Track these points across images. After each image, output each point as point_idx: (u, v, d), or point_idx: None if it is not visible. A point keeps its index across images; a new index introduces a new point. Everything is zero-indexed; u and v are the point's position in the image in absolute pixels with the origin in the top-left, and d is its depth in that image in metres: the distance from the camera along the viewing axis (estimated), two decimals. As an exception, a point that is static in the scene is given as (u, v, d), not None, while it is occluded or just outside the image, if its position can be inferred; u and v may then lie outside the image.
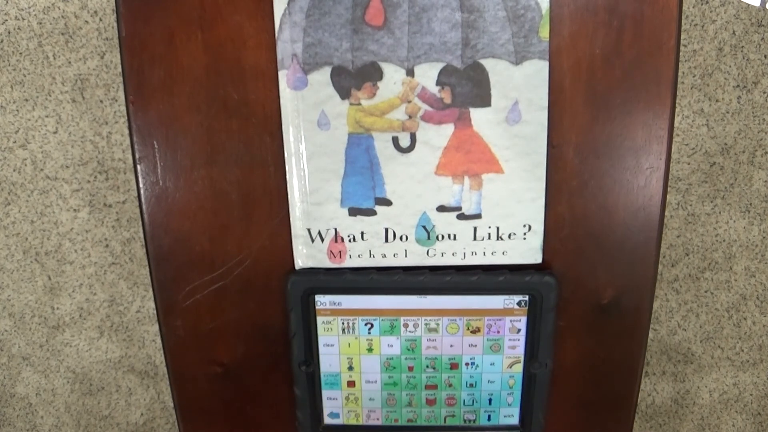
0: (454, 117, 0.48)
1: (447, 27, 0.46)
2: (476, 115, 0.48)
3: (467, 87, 0.47)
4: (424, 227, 0.50)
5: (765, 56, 1.11)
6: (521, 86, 0.47)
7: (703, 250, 1.20)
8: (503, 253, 0.51)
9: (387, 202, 0.50)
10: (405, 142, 0.48)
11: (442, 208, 0.50)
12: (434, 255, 0.51)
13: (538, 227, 0.50)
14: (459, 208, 0.50)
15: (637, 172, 0.49)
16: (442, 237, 0.50)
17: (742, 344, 1.26)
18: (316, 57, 0.46)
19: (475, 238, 0.50)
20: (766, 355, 1.27)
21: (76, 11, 1.10)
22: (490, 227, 0.50)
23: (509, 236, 0.50)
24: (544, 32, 0.46)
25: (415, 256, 0.51)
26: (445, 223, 0.50)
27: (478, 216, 0.50)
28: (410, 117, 0.48)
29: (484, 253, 0.51)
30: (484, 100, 0.47)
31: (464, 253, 0.51)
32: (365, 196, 0.49)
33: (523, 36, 0.46)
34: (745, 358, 1.27)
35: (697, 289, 1.23)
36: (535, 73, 0.47)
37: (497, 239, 0.50)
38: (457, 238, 0.50)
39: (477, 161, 0.49)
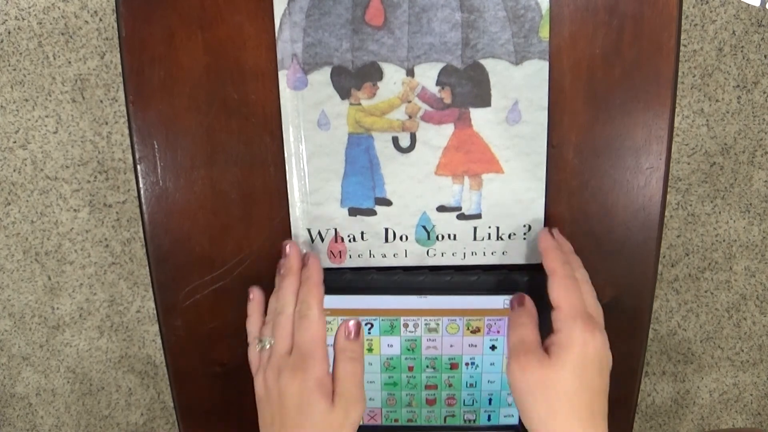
0: (454, 117, 0.47)
1: (447, 27, 0.46)
2: (476, 115, 0.47)
3: (467, 87, 0.47)
4: (424, 227, 0.50)
5: (765, 56, 1.11)
6: (521, 86, 0.46)
7: (703, 250, 1.20)
8: (503, 253, 0.51)
9: (387, 202, 0.50)
10: (405, 142, 0.48)
11: (442, 208, 0.49)
12: (434, 255, 0.51)
13: (538, 227, 0.50)
14: (459, 208, 0.49)
15: (637, 172, 0.49)
16: (442, 237, 0.50)
17: (742, 344, 1.26)
18: (316, 57, 0.46)
19: (475, 238, 0.50)
20: (766, 355, 1.27)
21: (76, 11, 1.10)
22: (490, 227, 0.50)
23: (509, 236, 0.50)
24: (544, 32, 0.46)
25: (415, 256, 0.51)
26: (445, 223, 0.50)
27: (478, 216, 0.50)
28: (410, 117, 0.48)
29: (484, 253, 0.51)
30: (484, 100, 0.47)
31: (464, 253, 0.51)
32: (365, 196, 0.49)
33: (523, 36, 0.45)
34: (745, 358, 1.27)
35: (697, 289, 1.23)
36: (535, 73, 0.46)
37: (497, 239, 0.50)
38: (457, 238, 0.50)
39: (477, 161, 0.48)
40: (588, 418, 0.41)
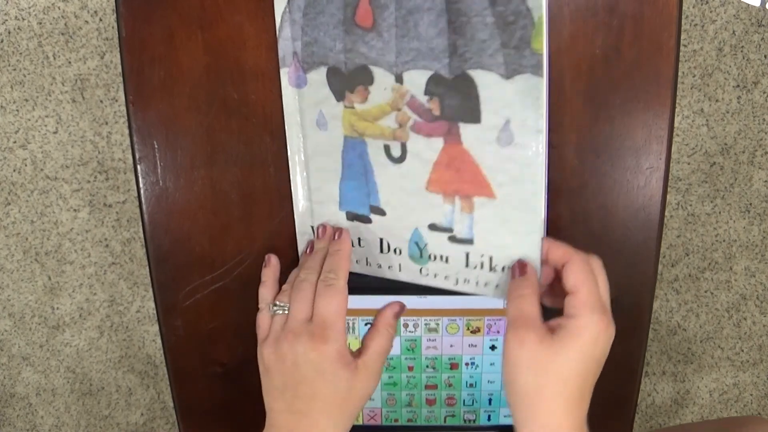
0: (443, 130, 0.42)
1: (434, 32, 0.41)
2: (466, 131, 0.42)
3: (456, 99, 0.41)
4: (416, 244, 0.47)
5: (765, 56, 1.11)
6: (513, 104, 0.40)
7: (703, 250, 1.20)
8: (496, 286, 0.45)
9: (381, 212, 0.47)
10: (396, 151, 0.45)
11: (433, 227, 0.45)
12: (427, 275, 0.47)
13: (536, 264, 0.43)
14: (450, 230, 0.45)
15: (637, 172, 0.49)
16: (435, 257, 0.46)
17: (742, 344, 1.26)
18: (313, 56, 0.45)
19: (467, 265, 0.45)
20: (766, 355, 1.27)
21: (76, 11, 1.10)
22: (483, 255, 0.45)
23: (503, 269, 0.44)
24: (538, 44, 0.38)
25: (408, 272, 0.48)
26: (437, 243, 0.46)
27: (470, 241, 0.45)
28: (400, 126, 0.44)
29: (477, 282, 0.46)
30: (473, 116, 0.41)
31: (457, 279, 0.46)
32: (361, 202, 0.47)
33: (513, 47, 0.38)
34: (745, 358, 1.27)
35: (697, 289, 1.23)
36: (528, 90, 0.39)
37: (490, 270, 0.45)
38: (449, 261, 0.46)
39: (468, 182, 0.43)
40: (575, 400, 0.40)
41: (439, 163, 0.44)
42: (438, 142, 0.43)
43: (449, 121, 0.42)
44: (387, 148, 0.45)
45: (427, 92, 0.42)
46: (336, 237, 0.47)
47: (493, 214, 0.43)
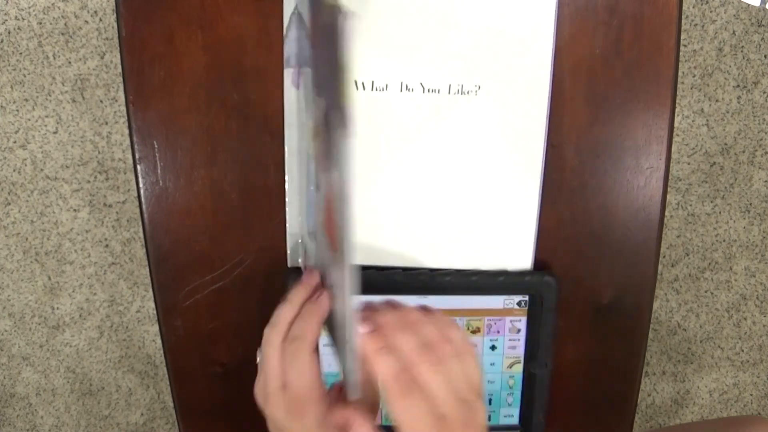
0: (327, 169, 0.36)
1: (318, 61, 0.36)
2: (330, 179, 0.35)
3: (327, 140, 0.35)
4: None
5: (765, 56, 1.11)
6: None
7: (703, 250, 1.20)
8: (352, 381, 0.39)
9: (314, 238, 0.43)
10: (314, 179, 0.41)
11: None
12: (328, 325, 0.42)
13: (355, 383, 0.38)
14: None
15: (637, 172, 0.49)
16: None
17: (742, 344, 1.26)
18: (304, 61, 0.45)
19: (336, 340, 0.40)
20: (766, 355, 1.27)
21: (76, 11, 1.10)
22: (345, 332, 0.38)
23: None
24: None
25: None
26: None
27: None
28: (318, 153, 0.39)
29: (341, 364, 0.40)
30: (332, 165, 0.34)
31: (335, 347, 0.41)
32: (311, 222, 0.44)
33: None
34: (745, 358, 1.27)
35: (697, 289, 1.23)
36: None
37: (333, 344, 0.40)
38: (334, 320, 0.40)
39: (332, 236, 0.37)
40: None
41: (327, 202, 0.38)
42: (326, 183, 0.37)
43: (329, 161, 0.36)
44: (315, 173, 0.41)
45: (323, 124, 0.37)
46: (315, 297, 0.41)
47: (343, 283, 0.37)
